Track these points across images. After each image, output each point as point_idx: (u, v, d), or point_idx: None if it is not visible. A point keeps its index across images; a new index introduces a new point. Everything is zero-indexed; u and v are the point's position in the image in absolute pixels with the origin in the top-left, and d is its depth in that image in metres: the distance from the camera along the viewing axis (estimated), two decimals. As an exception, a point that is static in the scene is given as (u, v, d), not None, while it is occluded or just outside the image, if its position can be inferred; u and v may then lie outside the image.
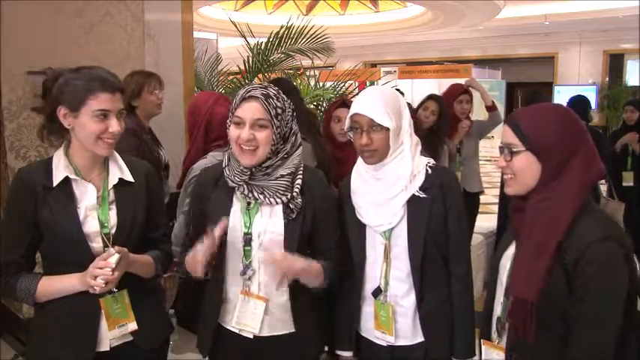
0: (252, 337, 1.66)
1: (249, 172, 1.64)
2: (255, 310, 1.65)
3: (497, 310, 1.52)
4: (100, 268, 1.49)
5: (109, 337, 1.62)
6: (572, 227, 1.33)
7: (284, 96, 1.66)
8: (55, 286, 1.60)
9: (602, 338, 1.31)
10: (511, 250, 1.49)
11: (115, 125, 1.57)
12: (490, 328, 1.57)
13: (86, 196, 1.62)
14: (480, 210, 4.41)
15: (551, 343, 1.37)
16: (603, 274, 1.29)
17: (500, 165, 1.46)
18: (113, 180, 1.66)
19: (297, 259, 1.56)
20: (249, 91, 1.62)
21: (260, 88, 1.64)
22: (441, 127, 3.76)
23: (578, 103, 4.67)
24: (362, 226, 1.74)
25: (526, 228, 1.40)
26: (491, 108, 4.16)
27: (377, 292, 1.73)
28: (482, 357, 1.56)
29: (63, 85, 1.57)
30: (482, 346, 1.56)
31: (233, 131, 1.63)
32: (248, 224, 1.64)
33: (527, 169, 1.39)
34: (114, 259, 1.50)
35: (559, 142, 1.36)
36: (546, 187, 1.38)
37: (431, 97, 3.86)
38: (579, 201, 1.35)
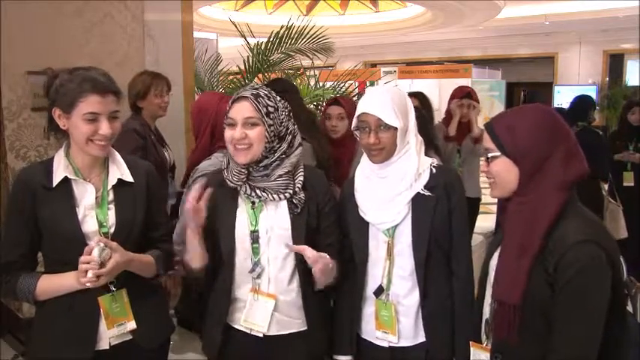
0: (261, 336, 1.66)
1: (246, 172, 1.66)
2: (264, 308, 1.65)
3: (486, 311, 1.52)
4: (87, 263, 1.49)
5: (108, 335, 1.62)
6: (555, 229, 1.33)
7: (277, 96, 1.68)
8: (53, 284, 1.60)
9: (581, 341, 1.30)
10: (498, 252, 1.49)
11: (105, 128, 1.57)
12: (480, 330, 1.57)
13: (85, 195, 1.63)
14: (480, 210, 4.40)
15: (535, 345, 1.37)
16: (583, 276, 1.28)
17: (482, 170, 1.49)
18: (112, 180, 1.66)
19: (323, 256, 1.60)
20: (240, 93, 1.66)
21: (250, 89, 1.67)
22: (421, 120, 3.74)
23: (578, 103, 4.66)
24: (364, 224, 1.75)
25: (507, 230, 1.42)
26: (476, 140, 3.96)
27: (379, 291, 1.73)
28: (471, 358, 1.56)
29: (58, 86, 1.58)
30: (471, 348, 1.56)
31: (227, 132, 1.66)
32: (254, 222, 1.66)
33: (505, 173, 1.41)
34: (96, 251, 1.50)
35: (532, 145, 1.36)
36: (525, 189, 1.38)
37: (410, 95, 3.80)
38: (559, 200, 1.35)
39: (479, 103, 4.10)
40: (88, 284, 1.50)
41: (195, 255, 1.66)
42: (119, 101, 1.62)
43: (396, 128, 1.65)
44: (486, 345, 1.52)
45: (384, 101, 1.67)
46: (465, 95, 4.04)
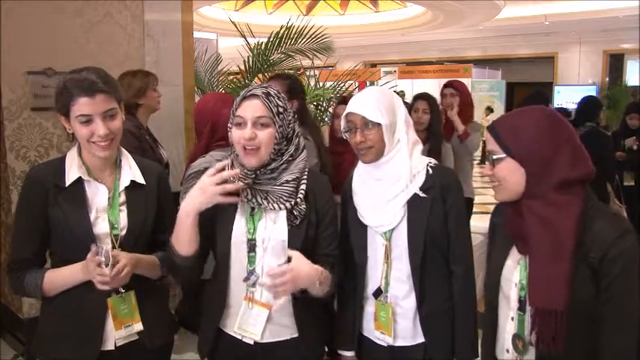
0: (253, 342, 1.64)
1: (253, 175, 1.61)
2: (258, 317, 1.63)
3: (509, 326, 1.47)
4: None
5: (114, 336, 1.63)
6: (588, 228, 1.32)
7: (284, 96, 1.66)
8: (59, 277, 1.61)
9: (634, 338, 1.31)
10: (511, 261, 1.46)
11: (100, 128, 1.54)
12: (494, 346, 1.52)
13: (97, 197, 1.63)
14: (480, 210, 4.40)
15: (583, 348, 1.35)
16: (629, 272, 1.30)
17: (486, 173, 1.45)
18: (125, 182, 1.66)
19: (303, 266, 1.52)
20: (250, 90, 1.60)
21: (260, 87, 1.62)
22: (435, 123, 3.64)
23: (587, 103, 4.66)
24: (363, 227, 1.74)
25: (532, 237, 1.37)
26: (461, 137, 3.88)
27: (377, 293, 1.73)
28: None
29: (55, 92, 1.58)
30: None
31: (235, 132, 1.60)
32: (252, 230, 1.62)
33: (511, 175, 1.39)
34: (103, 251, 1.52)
35: (538, 145, 1.35)
36: (534, 191, 1.37)
37: (418, 97, 3.73)
38: (577, 200, 1.34)
39: (467, 94, 4.03)
40: (102, 285, 1.52)
41: (184, 238, 1.56)
42: (114, 99, 1.58)
43: (381, 125, 1.65)
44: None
45: (368, 100, 1.68)
46: (445, 86, 4.02)
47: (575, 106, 4.95)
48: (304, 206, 1.62)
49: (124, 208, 1.65)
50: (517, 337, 1.45)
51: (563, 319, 1.32)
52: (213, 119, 2.47)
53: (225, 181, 1.51)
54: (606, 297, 1.31)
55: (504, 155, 1.39)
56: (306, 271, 1.53)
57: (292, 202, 1.61)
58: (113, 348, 1.63)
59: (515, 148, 1.37)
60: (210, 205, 1.52)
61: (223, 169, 1.55)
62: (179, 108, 3.83)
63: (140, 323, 1.66)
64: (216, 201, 1.51)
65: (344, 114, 1.72)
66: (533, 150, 1.36)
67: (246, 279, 1.63)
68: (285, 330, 1.66)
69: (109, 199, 1.63)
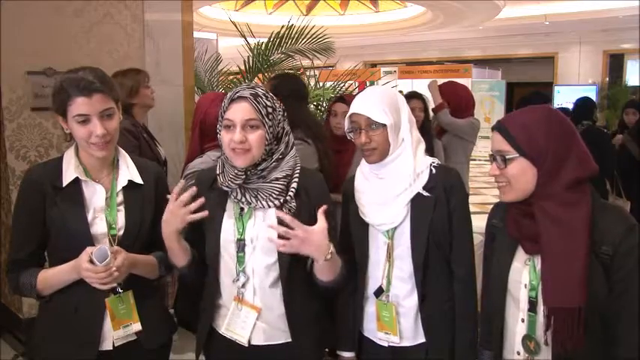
0: (247, 345, 1.63)
1: (244, 176, 1.59)
2: (246, 319, 1.62)
3: (519, 328, 1.47)
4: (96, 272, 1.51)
5: (112, 336, 1.62)
6: (597, 223, 1.34)
7: (272, 95, 1.64)
8: (50, 276, 1.61)
9: None
10: (518, 263, 1.46)
11: (98, 129, 1.54)
12: (501, 348, 1.52)
13: (95, 197, 1.63)
14: (480, 210, 4.40)
15: (598, 343, 1.36)
16: (638, 265, 1.31)
17: (492, 173, 1.44)
18: (122, 182, 1.66)
19: (318, 233, 1.50)
20: (237, 92, 1.58)
21: (248, 88, 1.60)
22: (426, 122, 3.70)
23: (582, 102, 4.77)
24: (365, 226, 1.74)
25: (546, 236, 1.36)
26: (434, 110, 3.95)
27: (379, 292, 1.72)
28: None
29: (52, 91, 1.58)
30: None
31: (225, 136, 1.58)
32: (241, 230, 1.61)
33: (523, 174, 1.38)
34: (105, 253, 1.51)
35: (551, 144, 1.36)
36: (545, 190, 1.37)
37: (413, 96, 3.77)
38: (586, 198, 1.36)
39: (454, 95, 4.00)
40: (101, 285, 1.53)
41: (175, 254, 1.62)
42: (111, 98, 1.58)
43: (385, 125, 1.65)
44: None
45: (372, 100, 1.67)
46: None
47: (575, 107, 5.04)
48: (294, 204, 1.60)
49: (121, 208, 1.65)
50: (528, 338, 1.45)
51: (581, 317, 1.32)
52: (201, 118, 2.49)
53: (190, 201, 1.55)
54: (619, 292, 1.32)
55: (517, 155, 1.38)
56: (319, 238, 1.51)
57: (282, 200, 1.59)
58: (111, 348, 1.63)
59: (529, 147, 1.37)
60: (185, 223, 1.56)
61: (181, 192, 1.57)
62: (179, 108, 3.83)
63: (138, 323, 1.65)
64: (189, 220, 1.55)
65: (348, 114, 1.71)
66: (547, 149, 1.36)
67: (236, 279, 1.62)
68: (280, 334, 1.64)
69: (106, 199, 1.63)
